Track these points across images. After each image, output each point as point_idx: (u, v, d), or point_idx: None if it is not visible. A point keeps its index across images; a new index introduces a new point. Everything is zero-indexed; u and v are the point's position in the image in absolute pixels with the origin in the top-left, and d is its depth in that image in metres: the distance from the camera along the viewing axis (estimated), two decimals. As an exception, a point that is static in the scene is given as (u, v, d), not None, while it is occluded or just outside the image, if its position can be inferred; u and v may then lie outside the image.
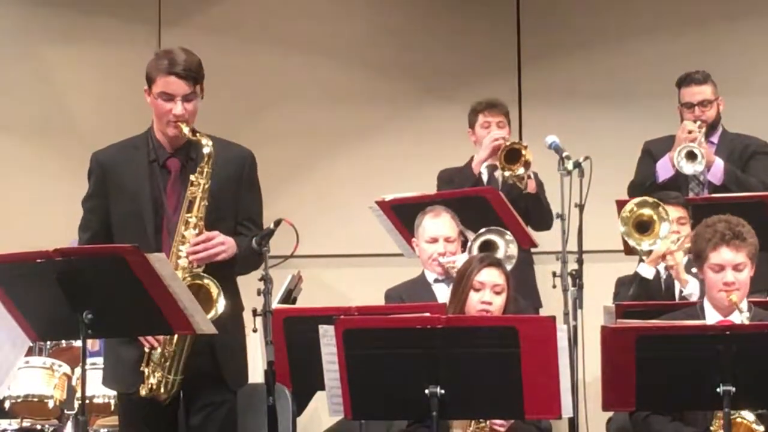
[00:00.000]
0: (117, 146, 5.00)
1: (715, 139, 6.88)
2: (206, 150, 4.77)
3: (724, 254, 5.10)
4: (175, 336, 4.73)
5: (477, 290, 5.31)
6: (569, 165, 5.87)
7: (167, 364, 4.77)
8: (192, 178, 4.79)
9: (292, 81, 8.54)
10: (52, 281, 4.47)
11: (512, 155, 6.61)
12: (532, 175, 6.61)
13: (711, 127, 6.85)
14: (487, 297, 5.30)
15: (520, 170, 6.57)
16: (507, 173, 6.61)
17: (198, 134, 4.80)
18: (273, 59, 8.55)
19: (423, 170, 8.07)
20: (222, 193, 4.83)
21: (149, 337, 4.77)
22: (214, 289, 4.74)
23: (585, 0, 8.43)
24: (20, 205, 8.43)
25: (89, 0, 8.64)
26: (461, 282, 5.34)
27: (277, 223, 4.83)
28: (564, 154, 5.91)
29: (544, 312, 6.64)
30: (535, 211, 6.73)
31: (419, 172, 8.09)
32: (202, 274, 4.76)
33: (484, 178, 6.82)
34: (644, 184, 6.78)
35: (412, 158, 8.34)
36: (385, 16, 8.62)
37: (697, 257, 5.22)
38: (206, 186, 4.78)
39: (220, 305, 4.73)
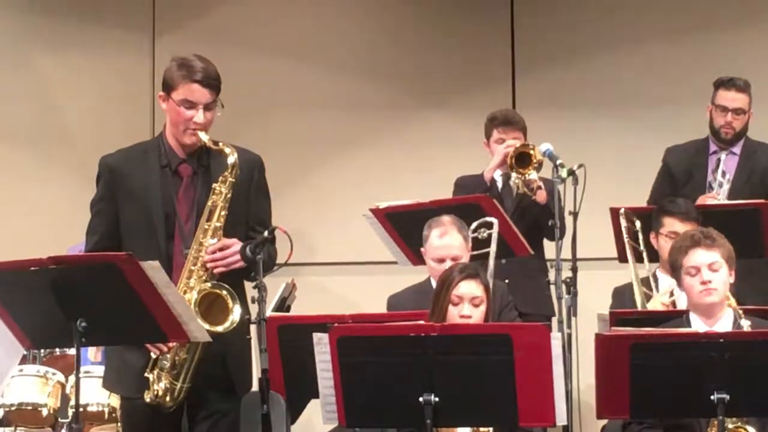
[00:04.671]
0: (126, 151, 4.96)
1: (737, 149, 6.83)
2: (231, 160, 4.76)
3: (697, 255, 5.11)
4: (187, 343, 4.70)
5: (455, 304, 5.23)
6: (563, 172, 5.86)
7: (176, 371, 4.73)
8: (215, 186, 4.77)
9: (286, 88, 8.54)
10: (46, 289, 4.46)
11: (523, 159, 6.47)
12: (542, 185, 6.44)
13: (737, 138, 6.84)
14: (466, 311, 5.22)
15: (532, 174, 6.48)
16: (517, 178, 6.50)
17: (220, 143, 4.79)
18: (267, 66, 8.55)
19: (418, 177, 8.10)
20: (234, 198, 4.80)
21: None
22: (230, 300, 4.73)
23: (580, 8, 8.44)
24: (14, 213, 8.41)
25: (83, 8, 8.64)
26: (440, 293, 5.28)
27: (272, 231, 4.83)
28: (558, 162, 5.90)
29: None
30: (544, 222, 6.58)
31: (414, 179, 8.11)
32: (220, 283, 4.75)
33: (499, 185, 6.73)
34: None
35: (407, 165, 8.34)
36: (379, 24, 8.62)
37: (674, 270, 5.23)
38: (228, 195, 4.76)
39: (236, 314, 4.72)
